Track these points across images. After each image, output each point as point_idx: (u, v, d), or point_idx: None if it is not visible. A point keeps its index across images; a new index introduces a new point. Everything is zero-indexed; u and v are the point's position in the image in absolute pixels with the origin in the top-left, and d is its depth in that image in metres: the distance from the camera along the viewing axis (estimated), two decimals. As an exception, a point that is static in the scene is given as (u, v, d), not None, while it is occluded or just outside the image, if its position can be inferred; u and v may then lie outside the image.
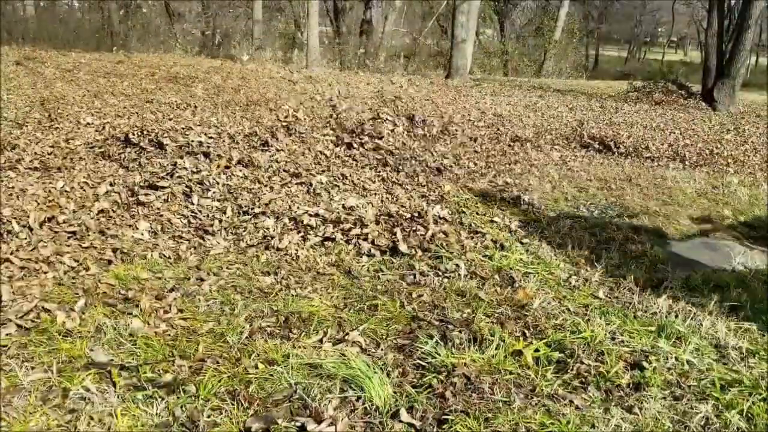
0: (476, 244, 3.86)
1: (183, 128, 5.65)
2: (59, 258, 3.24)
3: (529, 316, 2.92)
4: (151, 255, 3.43)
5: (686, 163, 6.90)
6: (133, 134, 5.40)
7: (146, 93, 8.15)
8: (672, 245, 4.16)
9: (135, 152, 5.11)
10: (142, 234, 3.69)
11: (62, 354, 2.40)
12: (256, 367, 2.39)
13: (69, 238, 3.54)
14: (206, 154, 4.89)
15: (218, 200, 4.21)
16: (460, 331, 2.73)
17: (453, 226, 4.10)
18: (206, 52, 18.20)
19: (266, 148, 5.38)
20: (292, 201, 4.27)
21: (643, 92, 13.97)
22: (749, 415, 2.23)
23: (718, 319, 2.96)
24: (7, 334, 2.51)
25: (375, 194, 4.68)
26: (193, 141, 5.12)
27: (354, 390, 2.28)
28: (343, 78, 12.61)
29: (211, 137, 5.31)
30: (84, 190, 4.25)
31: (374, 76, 13.70)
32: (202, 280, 3.17)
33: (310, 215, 3.99)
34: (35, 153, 4.98)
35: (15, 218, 3.58)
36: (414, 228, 3.92)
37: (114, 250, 3.42)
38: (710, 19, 14.36)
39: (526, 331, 2.78)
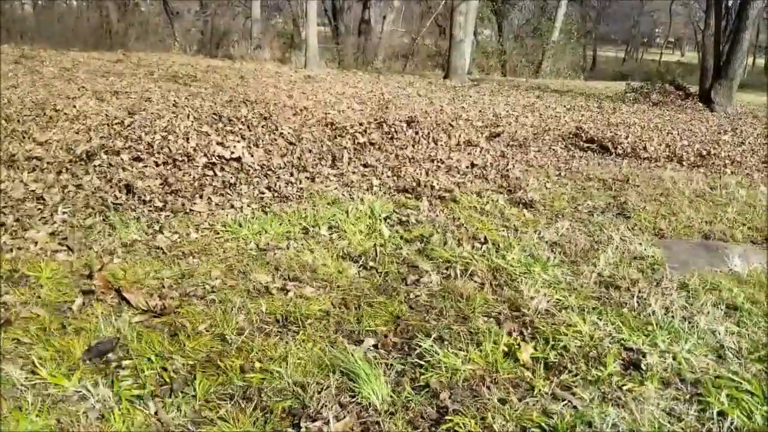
0: (474, 243, 3.86)
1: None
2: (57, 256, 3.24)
3: (526, 316, 2.92)
4: (150, 253, 3.43)
5: (684, 163, 6.91)
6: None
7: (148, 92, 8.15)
8: (670, 246, 4.16)
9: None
10: (140, 233, 3.69)
11: (60, 353, 2.40)
12: (254, 367, 2.40)
13: (65, 239, 3.54)
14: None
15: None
16: (457, 331, 2.73)
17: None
18: (205, 52, 18.19)
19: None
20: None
21: (641, 93, 13.99)
22: (747, 415, 2.24)
23: (715, 319, 2.97)
24: (5, 331, 2.51)
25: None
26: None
27: (352, 389, 2.28)
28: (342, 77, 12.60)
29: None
30: (84, 188, 4.26)
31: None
32: (201, 279, 3.17)
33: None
34: (32, 152, 4.97)
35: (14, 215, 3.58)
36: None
37: (111, 250, 3.42)
38: (707, 20, 14.41)
39: (524, 331, 2.79)
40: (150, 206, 4.11)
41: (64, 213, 3.83)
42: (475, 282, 3.32)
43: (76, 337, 2.52)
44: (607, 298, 3.21)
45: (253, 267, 3.36)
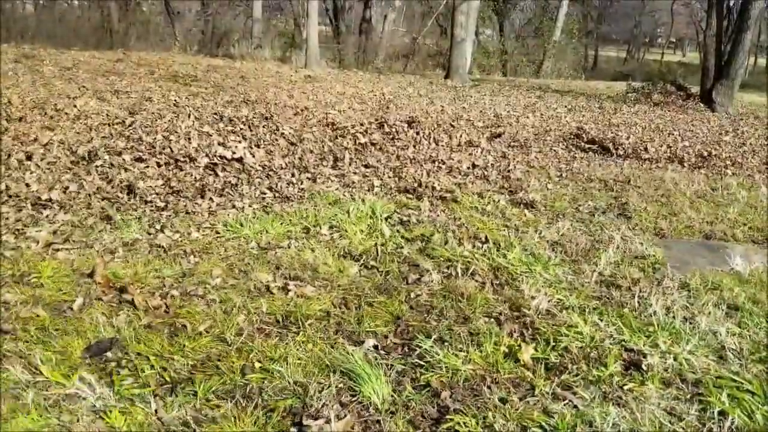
0: (475, 242, 3.86)
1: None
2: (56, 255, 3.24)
3: (527, 316, 2.92)
4: (151, 252, 3.43)
5: (685, 164, 6.90)
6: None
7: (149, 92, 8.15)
8: (671, 245, 4.16)
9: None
10: (142, 232, 3.69)
11: (60, 353, 2.41)
12: (255, 366, 2.40)
13: (66, 238, 3.54)
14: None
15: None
16: (458, 332, 2.73)
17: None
18: (205, 51, 18.20)
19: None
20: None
21: (642, 93, 14.00)
22: (748, 414, 2.24)
23: (717, 320, 2.97)
24: (5, 331, 2.51)
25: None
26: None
27: (352, 389, 2.28)
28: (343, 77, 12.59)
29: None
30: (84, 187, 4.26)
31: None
32: (201, 278, 3.18)
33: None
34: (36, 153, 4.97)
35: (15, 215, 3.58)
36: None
37: (112, 249, 3.42)
38: (709, 20, 14.42)
39: (525, 331, 2.79)
40: (152, 206, 4.11)
41: (65, 213, 3.84)
42: (476, 281, 3.32)
43: (76, 337, 2.52)
44: (608, 298, 3.21)
45: (254, 266, 3.36)
